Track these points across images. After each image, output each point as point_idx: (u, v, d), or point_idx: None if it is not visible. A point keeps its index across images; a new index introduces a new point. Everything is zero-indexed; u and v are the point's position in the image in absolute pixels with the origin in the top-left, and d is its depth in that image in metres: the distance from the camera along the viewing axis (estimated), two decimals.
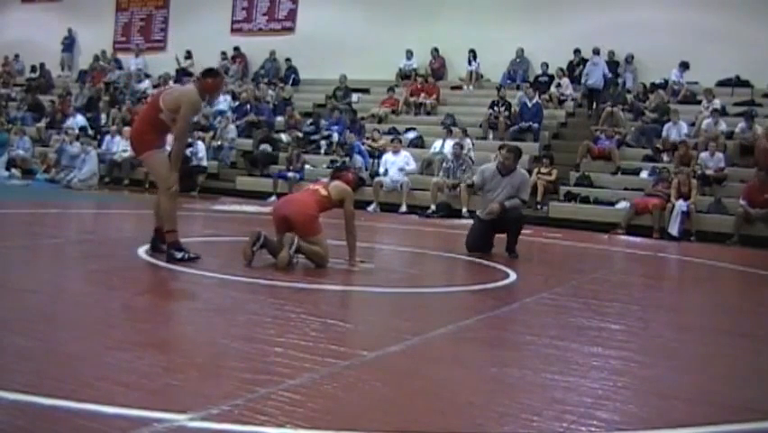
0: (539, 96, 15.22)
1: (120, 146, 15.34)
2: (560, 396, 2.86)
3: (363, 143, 14.64)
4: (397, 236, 10.09)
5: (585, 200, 12.61)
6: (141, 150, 5.59)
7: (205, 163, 14.80)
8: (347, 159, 13.99)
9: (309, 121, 16.60)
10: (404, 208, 13.10)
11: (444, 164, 13.25)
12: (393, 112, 16.64)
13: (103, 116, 18.07)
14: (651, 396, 3.01)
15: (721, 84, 15.16)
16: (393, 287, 5.40)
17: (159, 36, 21.65)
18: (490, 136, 14.80)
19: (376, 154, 14.27)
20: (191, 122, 5.64)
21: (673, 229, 11.42)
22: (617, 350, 3.72)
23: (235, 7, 20.55)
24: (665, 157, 13.19)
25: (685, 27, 15.26)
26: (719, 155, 12.54)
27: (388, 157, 13.73)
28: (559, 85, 16.02)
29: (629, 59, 16.07)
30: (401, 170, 13.42)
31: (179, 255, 5.36)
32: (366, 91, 18.06)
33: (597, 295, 5.58)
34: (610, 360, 3.50)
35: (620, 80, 15.79)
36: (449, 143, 13.68)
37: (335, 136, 15.31)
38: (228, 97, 16.91)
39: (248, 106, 16.88)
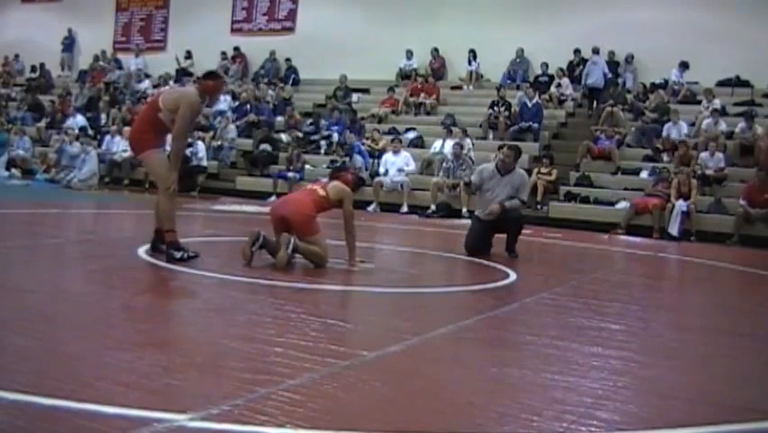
0: (539, 96, 15.22)
1: (120, 146, 15.34)
2: (560, 396, 2.85)
3: (363, 144, 14.64)
4: (397, 236, 10.09)
5: (585, 200, 12.61)
6: (139, 149, 5.60)
7: (205, 163, 14.80)
8: (347, 159, 14.00)
9: (309, 121, 16.60)
10: (405, 209, 13.10)
11: (444, 164, 13.25)
12: (393, 112, 16.64)
13: (103, 116, 18.06)
14: (651, 396, 3.01)
15: (721, 84, 15.16)
16: (393, 287, 5.40)
17: (159, 36, 21.65)
18: (490, 136, 14.80)
19: (376, 154, 14.27)
20: (190, 123, 5.64)
21: (673, 229, 11.42)
22: (617, 350, 3.72)
23: (235, 7, 20.55)
24: (665, 157, 13.19)
25: (685, 27, 15.26)
26: (719, 155, 12.54)
27: (388, 157, 13.73)
28: (559, 85, 16.02)
29: (629, 59, 16.07)
30: (400, 170, 13.42)
31: (178, 255, 5.37)
32: (366, 91, 18.06)
33: (597, 295, 5.58)
34: (610, 360, 3.50)
35: (620, 80, 15.80)
36: (449, 143, 13.68)
37: (335, 136, 15.31)
38: (228, 97, 16.91)
39: (248, 106, 16.88)
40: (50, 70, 21.87)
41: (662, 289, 7.14)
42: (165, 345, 3.28)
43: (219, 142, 15.71)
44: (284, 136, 15.96)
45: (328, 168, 12.34)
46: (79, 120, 17.13)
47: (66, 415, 2.27)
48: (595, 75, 15.52)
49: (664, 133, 13.66)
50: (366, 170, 13.77)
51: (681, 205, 11.47)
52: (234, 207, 11.95)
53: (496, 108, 15.07)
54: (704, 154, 12.60)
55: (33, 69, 22.07)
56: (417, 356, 3.37)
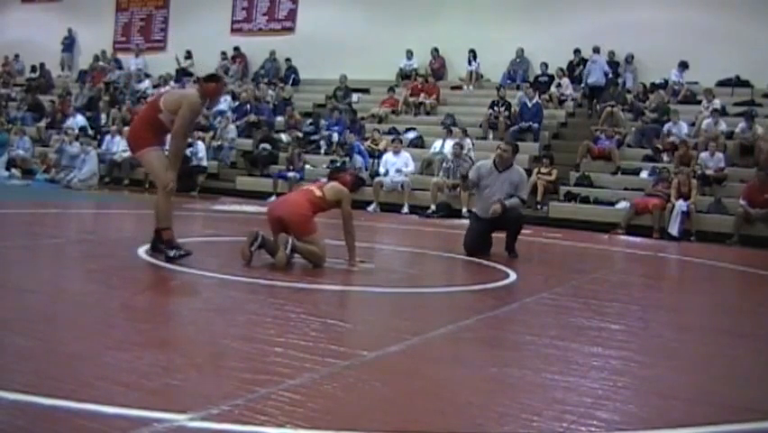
0: (539, 96, 15.22)
1: (120, 146, 15.33)
2: (560, 396, 2.85)
3: (363, 144, 14.63)
4: (397, 236, 10.09)
5: (585, 200, 12.61)
6: (137, 148, 5.60)
7: (205, 163, 14.81)
8: (347, 159, 14.00)
9: (309, 121, 16.61)
10: (406, 209, 13.10)
11: (444, 164, 13.25)
12: (393, 112, 16.64)
13: (103, 116, 18.06)
14: (651, 396, 3.01)
15: (721, 84, 15.16)
16: (393, 287, 5.40)
17: (159, 36, 21.65)
18: (490, 136, 14.79)
19: (376, 154, 14.27)
20: (190, 123, 5.65)
21: (673, 229, 11.42)
22: (617, 350, 3.72)
23: (235, 7, 20.54)
24: (665, 157, 13.19)
25: (685, 27, 15.26)
26: (719, 155, 12.53)
27: (388, 157, 13.73)
28: (559, 85, 16.02)
29: (629, 59, 16.07)
30: (398, 171, 13.42)
31: (172, 253, 5.38)
32: (366, 91, 18.06)
33: (597, 295, 5.58)
34: (610, 360, 3.50)
35: (620, 80, 15.79)
36: (449, 143, 13.68)
37: (335, 136, 15.31)
38: (228, 97, 16.91)
39: (248, 106, 16.88)
40: (50, 70, 21.87)
41: (662, 289, 7.14)
42: (165, 345, 3.28)
43: (219, 142, 15.71)
44: (284, 136, 15.96)
45: (328, 168, 12.35)
46: (79, 120, 17.13)
47: (66, 415, 2.27)
48: (595, 74, 15.53)
49: (664, 133, 13.67)
50: (366, 170, 13.77)
51: (681, 205, 11.47)
52: (234, 207, 11.95)
53: (496, 108, 15.08)
54: (704, 154, 12.60)
55: (33, 69, 22.07)
56: (417, 356, 3.37)
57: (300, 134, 15.84)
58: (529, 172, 12.57)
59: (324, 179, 6.38)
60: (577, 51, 16.30)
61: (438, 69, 17.83)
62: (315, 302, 4.70)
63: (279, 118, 16.86)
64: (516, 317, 4.65)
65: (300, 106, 17.49)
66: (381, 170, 13.62)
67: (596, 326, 4.32)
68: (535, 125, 14.59)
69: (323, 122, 16.21)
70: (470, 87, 17.29)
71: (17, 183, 14.47)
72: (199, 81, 5.79)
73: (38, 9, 23.21)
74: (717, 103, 14.01)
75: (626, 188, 12.76)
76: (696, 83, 15.26)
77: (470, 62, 17.28)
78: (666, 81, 15.41)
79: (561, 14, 16.54)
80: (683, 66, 15.18)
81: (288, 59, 19.16)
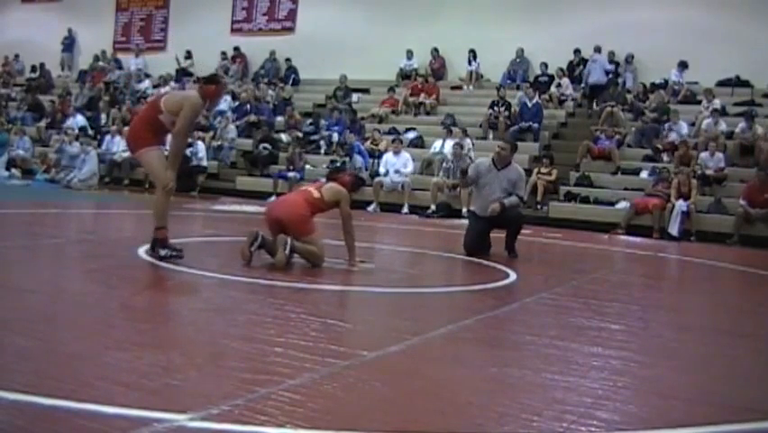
0: (539, 96, 15.23)
1: (120, 146, 15.33)
2: (560, 396, 2.85)
3: (363, 144, 14.63)
4: (397, 236, 10.09)
5: (585, 200, 12.61)
6: (136, 148, 5.60)
7: (205, 163, 14.81)
8: (347, 159, 14.00)
9: (309, 121, 16.60)
10: (406, 210, 13.10)
11: (444, 164, 13.25)
12: (393, 112, 16.64)
13: (103, 116, 18.07)
14: (651, 396, 3.01)
15: (721, 84, 15.16)
16: (393, 287, 5.39)
17: (159, 36, 21.65)
18: (490, 136, 14.79)
19: (376, 154, 14.27)
20: (191, 124, 5.66)
21: (673, 229, 11.42)
22: (617, 350, 3.71)
23: (235, 7, 20.55)
24: (665, 157, 13.19)
25: (685, 27, 15.26)
26: (719, 155, 12.54)
27: (388, 158, 13.73)
28: (559, 85, 16.03)
29: (629, 59, 16.07)
30: (397, 171, 13.41)
31: (163, 252, 5.38)
32: (366, 91, 18.06)
33: (597, 295, 5.58)
34: (610, 360, 3.50)
35: (620, 80, 15.80)
36: (449, 143, 13.68)
37: (335, 136, 15.31)
38: (228, 97, 16.90)
39: (248, 106, 16.88)
40: (50, 70, 21.87)
41: (662, 289, 7.14)
42: (165, 345, 3.28)
43: (219, 142, 15.71)
44: (284, 136, 15.96)
45: (328, 168, 12.36)
46: (79, 120, 17.14)
47: (66, 415, 2.27)
48: (596, 73, 15.53)
49: (664, 133, 13.67)
50: (366, 170, 13.77)
51: (681, 205, 11.47)
52: (234, 207, 11.96)
53: (496, 108, 15.08)
54: (704, 154, 12.60)
55: (33, 68, 22.08)
56: (417, 356, 3.37)
57: (300, 134, 15.84)
58: (529, 172, 12.58)
59: (324, 180, 6.38)
60: (577, 51, 16.31)
61: (438, 69, 17.83)
62: (315, 302, 4.70)
63: (279, 118, 16.86)
64: (516, 317, 4.65)
65: (300, 106, 17.49)
66: (381, 170, 13.62)
67: (596, 326, 4.32)
68: (535, 125, 14.59)
69: (323, 122, 16.22)
70: (470, 87, 17.29)
71: (17, 183, 14.47)
72: (199, 82, 5.80)
73: (38, 9, 23.21)
74: (717, 103, 14.02)
75: (626, 188, 12.76)
76: (696, 83, 15.27)
77: (470, 62, 17.28)
78: (666, 81, 15.41)
79: (561, 14, 16.54)
80: (683, 66, 15.18)
81: (288, 59, 19.16)
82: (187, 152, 13.31)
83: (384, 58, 17.76)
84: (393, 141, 14.19)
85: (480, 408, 2.68)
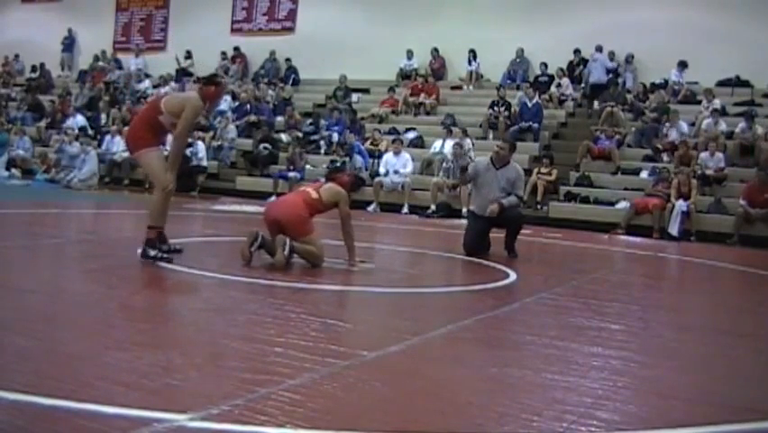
0: (539, 96, 15.23)
1: (120, 146, 15.33)
2: (560, 396, 2.85)
3: (363, 144, 14.63)
4: (397, 236, 10.09)
5: (585, 200, 12.61)
6: (135, 148, 5.60)
7: (205, 163, 14.81)
8: (347, 159, 13.99)
9: (309, 121, 16.60)
10: (406, 210, 13.10)
11: (444, 164, 13.24)
12: (393, 112, 16.64)
13: (103, 116, 18.07)
14: (651, 396, 3.01)
15: (721, 84, 15.16)
16: (393, 287, 5.39)
17: (159, 36, 21.65)
18: (490, 136, 14.78)
19: (376, 154, 14.27)
20: (191, 126, 5.65)
21: (673, 229, 11.42)
22: (617, 350, 3.71)
23: (235, 7, 20.54)
24: (665, 157, 13.19)
25: (685, 27, 15.26)
26: (719, 155, 12.53)
27: (388, 158, 13.72)
28: (559, 85, 16.03)
29: (629, 59, 16.06)
30: (396, 172, 13.41)
31: (152, 253, 5.37)
32: (366, 91, 18.06)
33: (597, 295, 5.58)
34: (610, 360, 3.50)
35: (620, 80, 15.80)
36: (449, 143, 13.68)
37: (335, 136, 15.30)
38: (228, 97, 16.90)
39: (248, 106, 16.88)
40: (50, 70, 21.87)
41: (662, 289, 7.14)
42: (165, 345, 3.28)
43: (219, 142, 15.71)
44: (284, 136, 15.96)
45: (328, 168, 12.35)
46: (79, 120, 17.14)
47: (66, 415, 2.27)
48: (597, 72, 15.54)
49: (664, 131, 13.67)
50: (366, 170, 13.77)
51: (681, 205, 11.47)
52: (234, 207, 11.96)
53: (496, 108, 15.08)
54: (704, 154, 12.60)
55: (33, 68, 22.08)
56: (417, 356, 3.37)
57: (300, 134, 15.84)
58: (529, 172, 12.59)
59: (323, 180, 6.37)
60: (577, 51, 16.32)
61: (438, 69, 17.83)
62: (315, 302, 4.71)
63: (279, 118, 16.86)
64: (516, 317, 4.65)
65: (300, 106, 17.49)
66: (382, 170, 13.62)
67: (596, 326, 4.32)
68: (535, 125, 14.59)
69: (323, 122, 16.21)
70: (470, 87, 17.29)
71: (17, 183, 14.47)
72: (199, 83, 5.80)
73: (38, 9, 23.21)
74: (717, 103, 14.01)
75: (626, 188, 12.76)
76: (696, 83, 15.26)
77: (470, 62, 17.28)
78: (666, 81, 15.41)
79: (561, 14, 16.54)
80: (683, 65, 15.18)
81: (288, 59, 19.16)
82: (187, 151, 13.32)
83: (384, 58, 17.75)
84: (393, 141, 14.18)
85: (480, 408, 2.68)
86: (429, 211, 12.71)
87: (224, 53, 19.87)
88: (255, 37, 20.05)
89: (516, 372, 3.20)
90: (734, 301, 6.37)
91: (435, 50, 17.73)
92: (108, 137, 16.11)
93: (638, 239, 11.09)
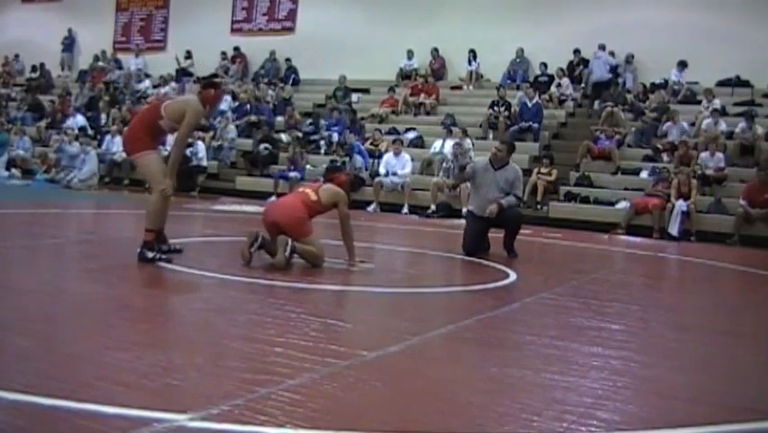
0: (539, 96, 15.23)
1: (120, 146, 15.30)
2: (560, 396, 2.85)
3: (363, 144, 14.63)
4: (396, 236, 10.08)
5: (585, 200, 12.61)
6: (133, 151, 5.58)
7: (205, 163, 14.81)
8: (347, 159, 13.99)
9: (309, 121, 16.60)
10: (406, 210, 13.10)
11: (444, 164, 13.25)
12: (393, 112, 16.64)
13: (103, 116, 18.08)
14: (651, 396, 3.01)
15: (721, 84, 15.16)
16: (393, 287, 5.39)
17: (159, 36, 21.65)
18: (490, 136, 14.78)
19: (377, 155, 14.27)
20: (192, 129, 5.66)
21: (673, 229, 11.42)
22: (617, 350, 3.71)
23: (235, 7, 20.55)
24: (665, 157, 13.19)
25: (685, 27, 15.26)
26: (719, 155, 12.54)
27: (389, 158, 13.72)
28: (559, 85, 16.03)
29: (629, 59, 16.06)
30: (395, 173, 13.40)
31: (150, 255, 5.36)
32: (366, 91, 18.06)
33: (597, 295, 5.58)
34: (610, 360, 3.50)
35: (620, 80, 15.80)
36: (449, 143, 13.68)
37: (335, 136, 15.31)
38: (228, 97, 16.91)
39: (248, 106, 16.89)
40: (50, 70, 21.88)
41: (662, 289, 7.14)
42: (165, 345, 3.28)
43: (219, 142, 15.71)
44: (284, 136, 15.96)
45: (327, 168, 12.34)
46: (79, 120, 17.14)
47: (66, 415, 2.27)
48: (599, 70, 15.56)
49: (664, 133, 13.66)
50: (366, 170, 13.77)
51: (681, 205, 11.47)
52: (234, 207, 11.96)
53: (496, 108, 15.08)
54: (704, 154, 12.60)
55: (33, 68, 22.08)
56: (417, 356, 3.37)
57: (300, 134, 15.84)
58: (529, 172, 12.59)
59: (321, 180, 6.37)
60: (577, 51, 16.32)
61: (438, 69, 17.84)
62: (315, 302, 4.71)
63: (279, 118, 16.86)
64: (516, 317, 4.65)
65: (300, 106, 17.50)
66: (382, 170, 13.62)
67: (596, 326, 4.32)
68: (535, 125, 14.59)
69: (323, 122, 16.22)
70: (470, 87, 17.29)
71: (17, 183, 14.47)
72: (200, 83, 5.79)
73: (38, 9, 23.21)
74: (717, 103, 14.01)
75: (626, 188, 12.76)
76: (696, 83, 15.27)
77: (470, 62, 17.28)
78: (666, 81, 15.41)
79: (561, 14, 16.54)
80: (683, 65, 15.18)
81: (288, 59, 19.16)
82: (187, 151, 13.32)
83: (384, 58, 17.76)
84: (394, 141, 14.18)
85: (480, 408, 2.68)
86: (429, 211, 12.71)
87: (224, 53, 19.88)
88: (255, 37, 20.05)
89: (516, 372, 3.20)
90: (734, 301, 6.38)
91: (435, 50, 17.73)
92: (108, 137, 16.11)
93: (638, 239, 11.09)
